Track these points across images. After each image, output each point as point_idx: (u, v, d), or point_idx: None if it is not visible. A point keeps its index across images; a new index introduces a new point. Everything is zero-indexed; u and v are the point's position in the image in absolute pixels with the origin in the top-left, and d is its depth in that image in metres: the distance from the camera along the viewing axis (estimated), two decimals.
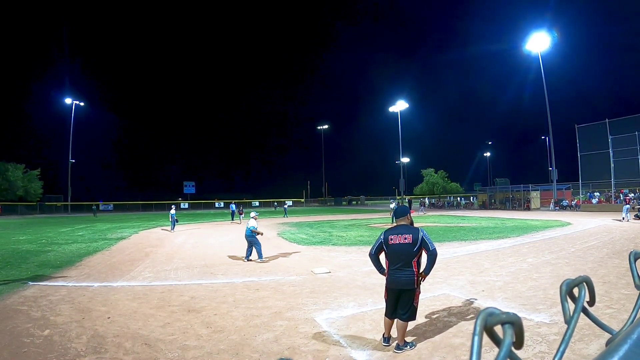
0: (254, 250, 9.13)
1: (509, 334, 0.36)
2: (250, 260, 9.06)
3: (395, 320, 3.68)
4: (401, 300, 3.64)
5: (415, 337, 3.94)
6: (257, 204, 62.14)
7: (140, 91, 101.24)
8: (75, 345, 3.84)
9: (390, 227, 3.87)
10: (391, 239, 3.65)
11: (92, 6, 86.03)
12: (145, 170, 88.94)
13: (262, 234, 9.38)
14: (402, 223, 3.79)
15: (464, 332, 4.05)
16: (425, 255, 3.68)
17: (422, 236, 3.61)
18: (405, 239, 3.60)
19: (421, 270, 3.69)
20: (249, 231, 9.23)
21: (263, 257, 9.01)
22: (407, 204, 32.13)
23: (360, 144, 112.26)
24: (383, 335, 3.83)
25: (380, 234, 3.81)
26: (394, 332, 3.77)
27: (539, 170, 63.73)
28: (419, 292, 3.72)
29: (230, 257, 9.77)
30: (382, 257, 3.86)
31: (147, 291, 6.16)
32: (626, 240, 11.34)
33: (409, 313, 3.61)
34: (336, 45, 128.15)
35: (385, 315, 3.78)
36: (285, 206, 34.22)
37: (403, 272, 3.58)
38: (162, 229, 18.90)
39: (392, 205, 20.92)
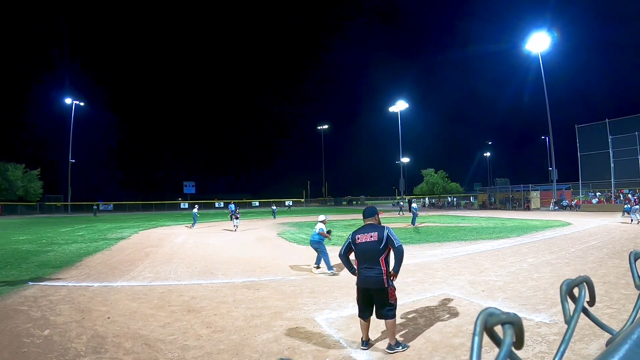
0: (323, 259, 7.62)
1: (509, 334, 0.36)
2: (319, 267, 7.75)
3: (383, 321, 3.68)
4: (377, 301, 3.63)
5: (415, 337, 3.94)
6: (257, 204, 62.14)
7: (140, 91, 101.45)
8: (75, 345, 3.84)
9: (358, 227, 3.92)
10: (358, 238, 3.72)
11: (92, 6, 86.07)
12: (145, 170, 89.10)
13: (329, 238, 7.85)
14: (370, 222, 3.84)
15: (464, 332, 4.05)
16: (393, 253, 3.70)
17: (387, 233, 3.65)
18: (372, 237, 3.65)
19: (390, 269, 3.69)
20: (316, 237, 7.81)
21: (332, 268, 7.35)
22: (407, 204, 32.16)
23: (360, 144, 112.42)
24: (361, 338, 3.76)
25: (349, 235, 3.87)
26: (372, 335, 3.79)
27: (539, 170, 63.85)
28: (394, 289, 3.70)
29: (292, 266, 8.32)
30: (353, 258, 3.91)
31: (147, 291, 6.16)
32: (626, 240, 11.34)
33: (392, 310, 3.62)
34: (336, 46, 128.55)
35: (359, 316, 3.76)
36: (274, 207, 30.98)
37: (371, 271, 3.59)
38: (186, 226, 20.68)
39: (414, 205, 20.31)
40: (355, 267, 3.83)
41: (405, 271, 6.61)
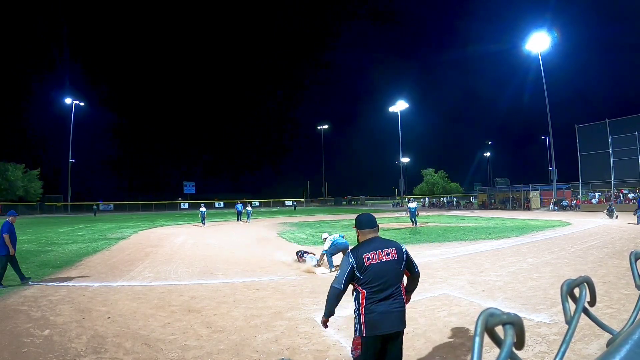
0: (327, 258, 7.75)
1: (510, 334, 0.36)
2: (319, 266, 7.95)
3: None
4: (393, 350, 2.50)
5: (415, 337, 3.93)
6: (257, 204, 62.13)
7: (140, 91, 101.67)
8: (75, 345, 3.84)
9: (358, 244, 2.62)
10: (368, 258, 2.46)
11: (92, 6, 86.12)
12: (145, 170, 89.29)
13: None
14: (374, 235, 2.63)
15: (464, 332, 4.05)
16: (406, 278, 2.65)
17: (406, 252, 2.59)
18: (389, 254, 2.50)
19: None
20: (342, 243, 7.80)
21: (334, 267, 7.48)
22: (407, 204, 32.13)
23: (360, 144, 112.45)
24: None
25: (347, 257, 2.54)
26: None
27: (539, 170, 63.82)
28: None
29: (291, 266, 8.28)
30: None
31: (147, 291, 6.16)
32: (626, 240, 11.34)
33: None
34: (336, 46, 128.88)
35: None
36: (249, 209, 24.91)
37: (392, 304, 2.44)
38: (194, 225, 22.08)
39: (412, 205, 19.01)
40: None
41: None
